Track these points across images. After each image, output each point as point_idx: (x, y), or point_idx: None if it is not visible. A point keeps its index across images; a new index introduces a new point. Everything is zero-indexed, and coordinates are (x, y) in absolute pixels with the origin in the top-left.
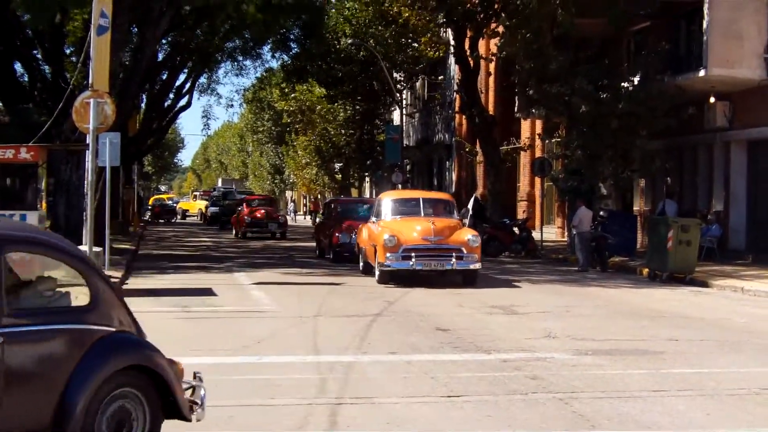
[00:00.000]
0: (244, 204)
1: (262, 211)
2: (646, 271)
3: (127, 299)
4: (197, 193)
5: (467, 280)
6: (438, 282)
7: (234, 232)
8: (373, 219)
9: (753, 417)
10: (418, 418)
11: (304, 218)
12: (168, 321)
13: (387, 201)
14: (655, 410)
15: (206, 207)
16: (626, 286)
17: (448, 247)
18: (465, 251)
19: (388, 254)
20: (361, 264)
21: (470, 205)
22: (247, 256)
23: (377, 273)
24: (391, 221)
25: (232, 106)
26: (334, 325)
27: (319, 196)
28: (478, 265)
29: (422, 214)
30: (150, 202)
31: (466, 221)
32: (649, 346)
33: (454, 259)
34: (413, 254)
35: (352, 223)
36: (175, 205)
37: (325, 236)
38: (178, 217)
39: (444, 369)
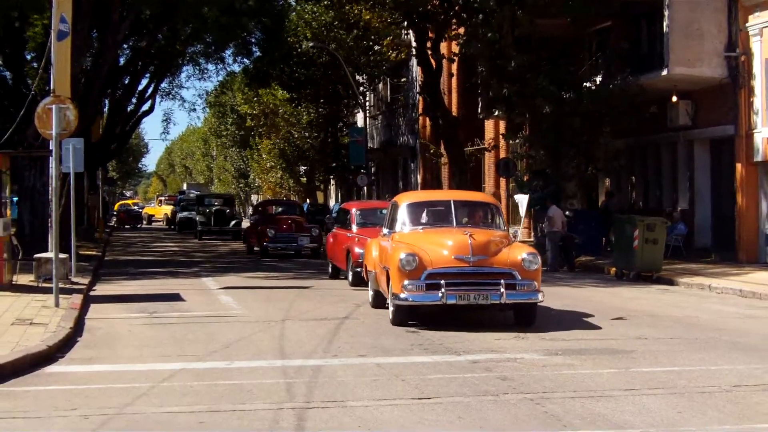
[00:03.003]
0: (260, 212)
1: (290, 221)
2: (613, 270)
3: (94, 305)
4: (162, 198)
5: (522, 317)
6: (474, 314)
7: (247, 247)
8: (385, 231)
9: (724, 414)
10: (388, 420)
11: None
12: (136, 327)
13: (405, 206)
14: (626, 409)
15: (172, 212)
16: (593, 285)
17: (494, 271)
18: (519, 276)
19: (405, 281)
20: (370, 293)
21: None
22: (213, 261)
23: (390, 309)
24: (411, 234)
25: (194, 110)
26: (303, 328)
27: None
28: (538, 297)
29: (455, 224)
30: (115, 208)
31: (518, 232)
32: (619, 345)
33: (502, 288)
34: (443, 281)
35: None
36: (140, 210)
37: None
38: (144, 222)
39: (414, 371)
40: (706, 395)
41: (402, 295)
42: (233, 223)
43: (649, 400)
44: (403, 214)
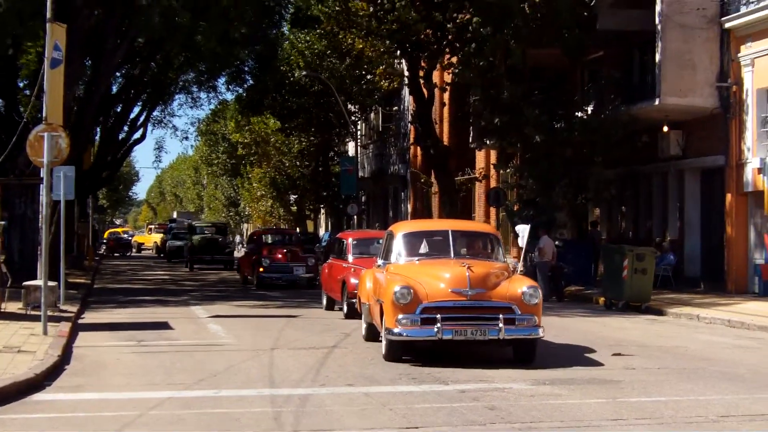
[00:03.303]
0: (255, 241)
1: (284, 251)
2: (602, 299)
3: (83, 333)
4: (152, 226)
5: (521, 353)
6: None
7: (241, 277)
8: (380, 262)
9: None
10: None
11: None
12: (124, 355)
13: (401, 236)
14: None
15: (162, 240)
16: (582, 315)
17: (493, 305)
18: (518, 311)
19: (400, 316)
20: (363, 326)
21: None
22: (202, 290)
23: (383, 344)
24: (406, 265)
25: (186, 138)
26: (291, 357)
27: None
28: (538, 332)
29: (452, 255)
30: (105, 236)
31: (519, 267)
32: (607, 374)
33: (501, 324)
34: (438, 316)
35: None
36: (130, 238)
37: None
38: (134, 250)
39: (402, 400)
40: (693, 425)
41: (396, 330)
42: (226, 252)
43: (636, 430)
44: (398, 245)
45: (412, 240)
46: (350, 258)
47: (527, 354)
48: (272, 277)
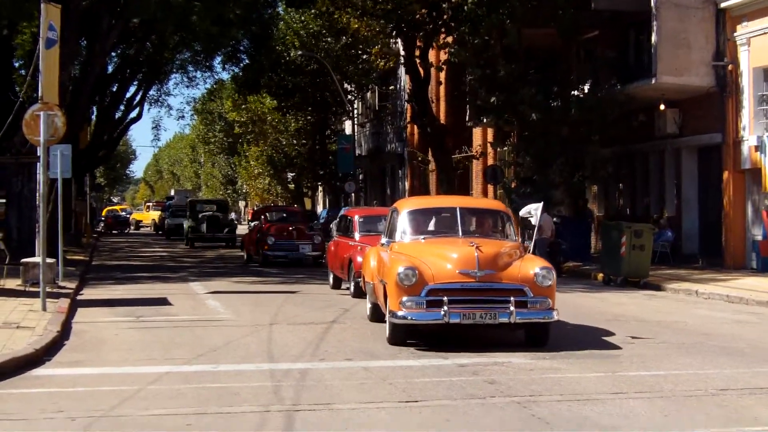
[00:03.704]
0: (260, 218)
1: (290, 228)
2: (600, 275)
3: (81, 309)
4: (150, 204)
5: (534, 337)
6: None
7: (246, 254)
8: (384, 240)
9: (710, 418)
10: (375, 423)
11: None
12: (123, 330)
13: (406, 213)
14: (613, 412)
15: (160, 218)
16: (581, 291)
17: (503, 287)
18: (531, 293)
19: (404, 298)
20: (368, 306)
21: None
22: (201, 266)
23: (387, 327)
24: (411, 244)
25: (183, 117)
26: (290, 332)
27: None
28: (552, 316)
29: (460, 233)
30: (103, 213)
31: (530, 245)
32: (606, 349)
33: (512, 307)
34: (445, 298)
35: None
36: (128, 216)
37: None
38: (131, 227)
39: (401, 374)
40: (692, 399)
41: (400, 313)
42: (227, 230)
43: (635, 403)
44: (403, 222)
45: (418, 217)
46: (357, 236)
47: (540, 338)
48: (277, 254)
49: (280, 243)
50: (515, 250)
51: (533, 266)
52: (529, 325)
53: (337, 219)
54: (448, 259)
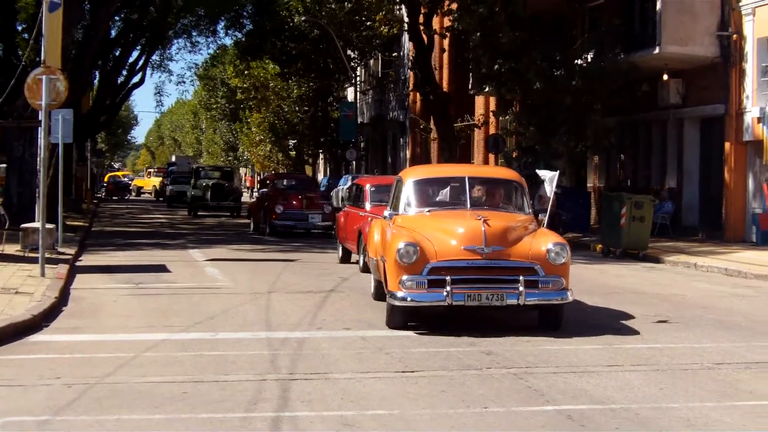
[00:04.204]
0: (269, 186)
1: (299, 197)
2: (599, 247)
3: (80, 276)
4: (152, 170)
5: (547, 320)
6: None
7: (253, 223)
8: (387, 213)
9: (706, 392)
10: (372, 393)
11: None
12: (121, 297)
13: (410, 183)
14: (609, 385)
15: (161, 184)
16: (580, 262)
17: (512, 265)
18: (542, 272)
19: (404, 277)
20: (372, 284)
21: None
22: (200, 233)
23: (387, 308)
24: (415, 217)
25: (183, 82)
26: (288, 301)
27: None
28: (567, 296)
29: (468, 205)
30: (105, 179)
31: (545, 219)
32: (603, 321)
33: (521, 287)
34: (448, 277)
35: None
36: (130, 182)
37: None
38: (132, 194)
39: (398, 344)
40: (688, 372)
41: (399, 294)
42: (232, 198)
43: (631, 376)
44: (407, 193)
45: (424, 187)
46: (368, 206)
47: (553, 321)
48: (286, 224)
49: (288, 212)
50: (528, 223)
51: (546, 242)
52: (541, 307)
53: (347, 188)
54: (453, 234)
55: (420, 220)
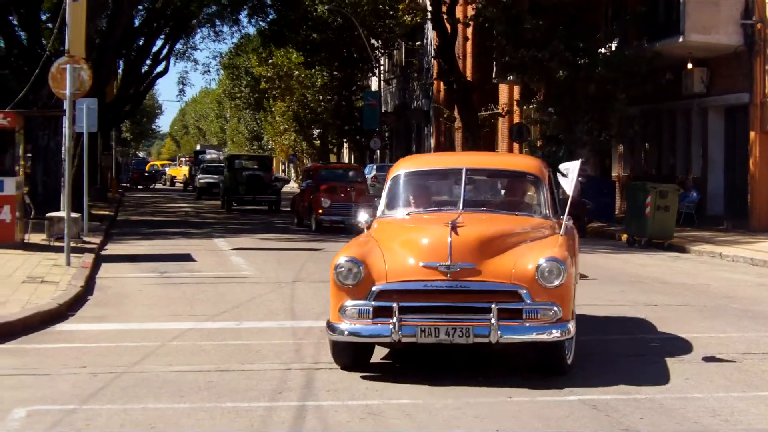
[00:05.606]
0: (312, 177)
1: (347, 189)
2: (624, 236)
3: (106, 264)
4: (183, 159)
5: (544, 360)
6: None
7: (296, 218)
8: (364, 217)
9: (731, 382)
10: (394, 385)
11: None
12: (146, 286)
13: (394, 179)
14: (633, 375)
15: (189, 173)
16: (605, 252)
17: (485, 288)
18: (529, 297)
19: (347, 302)
20: None
21: None
22: (225, 222)
23: (329, 340)
24: (392, 223)
25: (208, 72)
26: (313, 290)
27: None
28: (564, 331)
29: (461, 207)
30: (147, 168)
31: (568, 222)
32: (628, 311)
33: (493, 319)
34: (395, 305)
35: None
36: (164, 171)
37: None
38: (167, 183)
39: None
40: (713, 363)
41: (339, 325)
42: (270, 191)
43: (655, 367)
44: (391, 191)
45: (411, 183)
46: None
47: (547, 363)
48: (333, 219)
49: (336, 206)
50: (538, 229)
51: (537, 256)
52: (526, 345)
53: (372, 177)
54: (414, 246)
55: (394, 227)
